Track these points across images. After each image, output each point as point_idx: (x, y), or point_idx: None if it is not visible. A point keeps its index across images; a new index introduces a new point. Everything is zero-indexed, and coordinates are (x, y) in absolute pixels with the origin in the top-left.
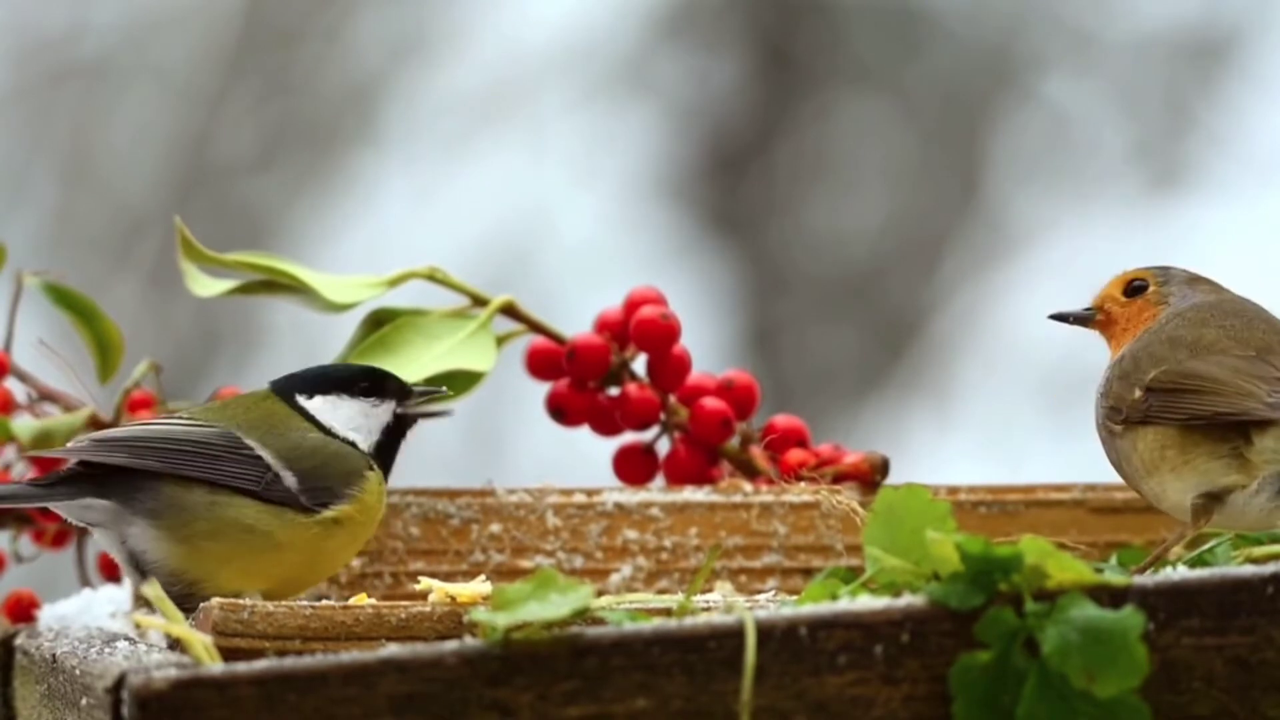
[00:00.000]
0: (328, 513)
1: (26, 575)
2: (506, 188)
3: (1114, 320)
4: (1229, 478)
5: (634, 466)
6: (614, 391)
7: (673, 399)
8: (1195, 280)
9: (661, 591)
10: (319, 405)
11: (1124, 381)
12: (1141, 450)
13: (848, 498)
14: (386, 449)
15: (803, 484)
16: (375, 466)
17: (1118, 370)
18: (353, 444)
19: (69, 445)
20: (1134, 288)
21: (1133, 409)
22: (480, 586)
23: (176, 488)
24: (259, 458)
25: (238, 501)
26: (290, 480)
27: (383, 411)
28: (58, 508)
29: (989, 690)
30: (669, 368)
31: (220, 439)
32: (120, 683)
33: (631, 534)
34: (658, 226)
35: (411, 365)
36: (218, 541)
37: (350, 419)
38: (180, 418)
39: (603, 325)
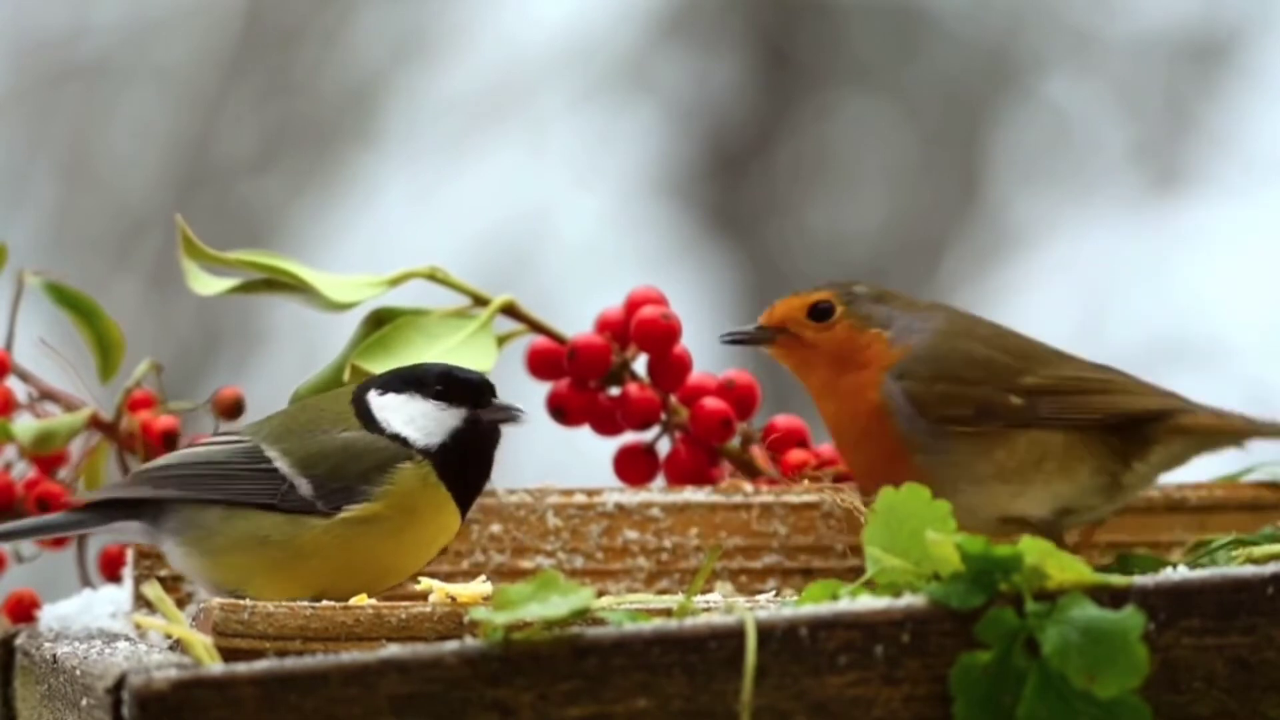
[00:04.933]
0: (346, 514)
1: (27, 575)
2: (506, 188)
3: (812, 345)
4: (1092, 499)
5: (634, 467)
6: (615, 391)
7: (673, 399)
8: (884, 295)
9: (662, 592)
10: (387, 402)
11: (955, 389)
12: (1002, 457)
13: (849, 496)
14: (456, 452)
15: (805, 482)
16: (422, 460)
17: (924, 383)
18: (403, 440)
19: (109, 485)
20: (820, 310)
21: (1013, 414)
22: (481, 587)
23: (193, 508)
24: (275, 470)
25: (254, 515)
26: (305, 488)
27: (449, 416)
28: (94, 533)
29: (989, 690)
30: (670, 368)
31: (241, 455)
32: (121, 683)
33: (632, 534)
34: (658, 226)
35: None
36: (236, 555)
37: (411, 418)
38: (223, 435)
39: (603, 325)
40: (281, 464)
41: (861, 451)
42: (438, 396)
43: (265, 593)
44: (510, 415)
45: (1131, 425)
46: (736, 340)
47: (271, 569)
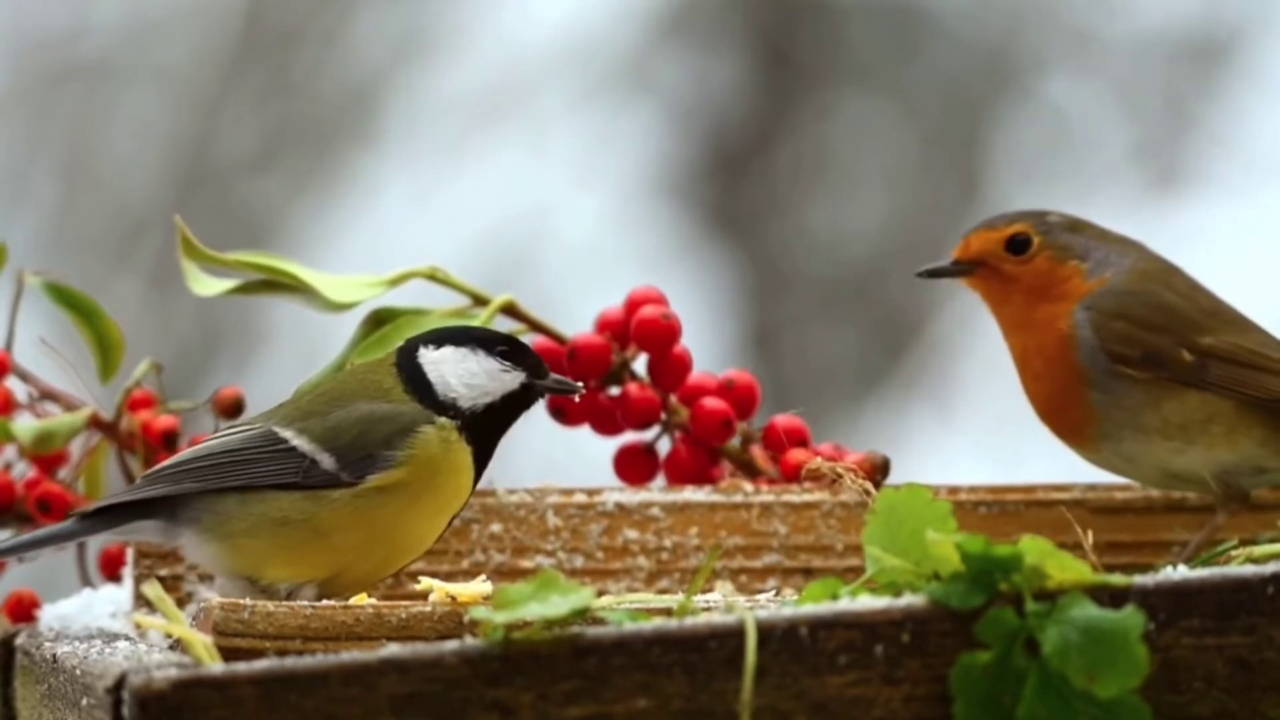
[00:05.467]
0: (371, 481)
1: (27, 575)
2: (506, 188)
3: (1011, 278)
4: (1270, 461)
5: (635, 466)
6: (615, 391)
7: (673, 399)
8: (1077, 224)
9: (662, 591)
10: (445, 354)
11: (1133, 330)
12: (1170, 411)
13: (864, 484)
14: (499, 416)
15: (820, 460)
16: (442, 421)
17: (1106, 317)
18: (447, 400)
19: (121, 490)
20: (1018, 243)
21: (1181, 369)
22: (481, 586)
23: (210, 497)
24: (293, 448)
25: (271, 496)
26: (328, 461)
27: (510, 378)
28: (109, 536)
29: (989, 690)
30: (670, 367)
31: (257, 439)
32: (121, 683)
33: (632, 534)
34: (658, 226)
35: None
36: (255, 538)
37: (470, 373)
38: (228, 427)
39: (603, 325)
40: (300, 442)
41: (1043, 381)
42: (503, 356)
43: (282, 575)
44: (570, 388)
45: None
46: (934, 274)
47: (290, 549)
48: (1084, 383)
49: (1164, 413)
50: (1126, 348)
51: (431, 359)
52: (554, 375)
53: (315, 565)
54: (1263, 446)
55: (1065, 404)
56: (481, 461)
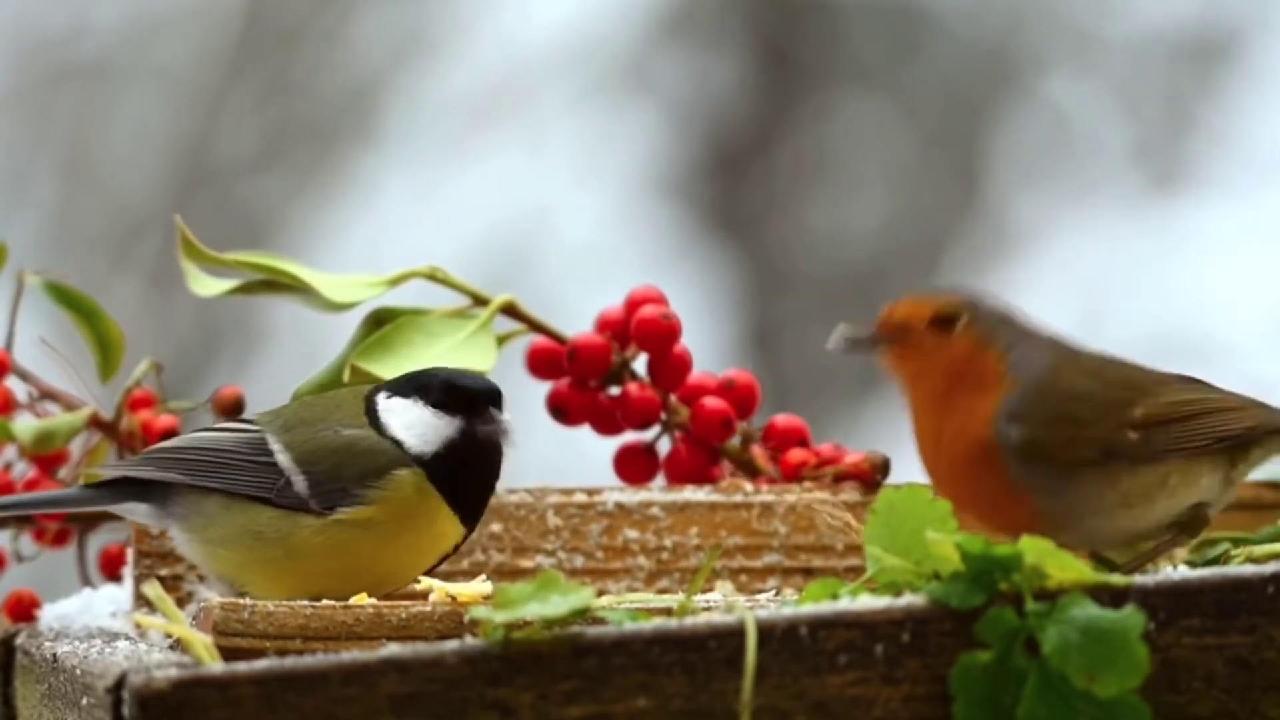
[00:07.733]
0: (338, 515)
1: (27, 574)
2: (506, 188)
3: (927, 355)
4: (1224, 493)
5: (635, 466)
6: (615, 391)
7: (673, 398)
8: (1008, 316)
9: (662, 591)
10: (393, 405)
11: (1072, 430)
12: (1128, 486)
13: (843, 512)
14: (451, 461)
15: (803, 485)
16: (419, 468)
17: (1032, 425)
18: (402, 445)
19: (118, 463)
20: (943, 320)
21: (1131, 450)
22: (481, 586)
23: (197, 494)
24: (274, 463)
25: (252, 508)
26: (301, 485)
27: (445, 425)
28: (109, 510)
29: (989, 690)
30: (670, 367)
31: (246, 445)
32: (121, 682)
33: (632, 533)
34: (658, 226)
35: (412, 365)
36: (230, 548)
37: (410, 424)
38: (236, 422)
39: (603, 325)
40: (283, 458)
41: (967, 485)
42: (437, 405)
43: (260, 589)
44: (497, 430)
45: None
46: (853, 346)
47: (265, 565)
48: (1025, 490)
49: (1122, 489)
50: (1079, 450)
51: (385, 407)
52: (491, 415)
53: (292, 586)
54: (1213, 475)
55: (1005, 510)
56: (465, 507)
